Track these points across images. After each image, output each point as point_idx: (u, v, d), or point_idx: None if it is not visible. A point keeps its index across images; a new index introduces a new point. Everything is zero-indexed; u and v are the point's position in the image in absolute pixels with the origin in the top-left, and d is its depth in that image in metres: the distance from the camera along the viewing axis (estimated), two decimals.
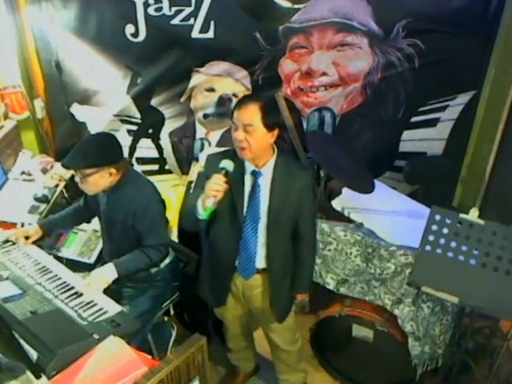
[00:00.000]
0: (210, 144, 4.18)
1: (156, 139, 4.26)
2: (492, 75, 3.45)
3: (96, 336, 2.08)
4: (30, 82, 4.07)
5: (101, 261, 3.00)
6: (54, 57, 3.95)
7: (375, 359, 3.03)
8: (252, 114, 2.26)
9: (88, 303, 2.37)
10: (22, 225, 3.20)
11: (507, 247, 2.31)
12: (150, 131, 4.23)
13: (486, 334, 3.20)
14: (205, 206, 2.22)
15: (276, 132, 2.35)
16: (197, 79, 3.94)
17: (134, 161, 4.28)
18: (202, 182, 2.36)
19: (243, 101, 2.32)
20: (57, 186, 3.62)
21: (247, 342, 3.16)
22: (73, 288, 2.48)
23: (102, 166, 2.52)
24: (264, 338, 3.02)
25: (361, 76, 3.70)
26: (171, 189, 4.23)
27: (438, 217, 2.41)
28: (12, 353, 1.89)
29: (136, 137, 4.26)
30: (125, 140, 4.18)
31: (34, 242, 2.83)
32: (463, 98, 3.64)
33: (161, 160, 4.34)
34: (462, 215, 2.40)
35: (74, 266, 2.93)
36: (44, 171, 3.77)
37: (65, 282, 2.52)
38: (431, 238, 2.41)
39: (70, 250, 3.12)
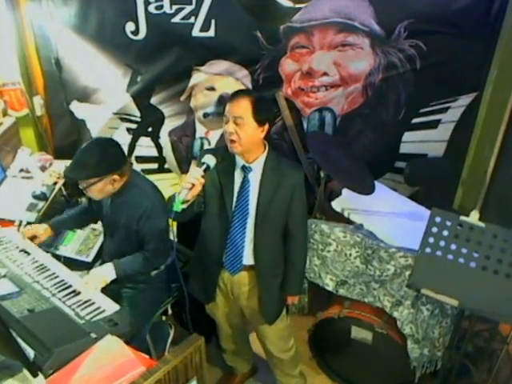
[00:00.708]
0: (209, 143, 4.16)
1: (155, 138, 4.25)
2: (494, 77, 3.44)
3: (93, 335, 2.08)
4: (30, 79, 4.05)
5: (99, 260, 2.99)
6: (54, 54, 3.94)
7: (374, 361, 3.02)
8: (243, 107, 2.30)
9: (86, 302, 2.37)
10: (20, 222, 3.20)
11: (508, 250, 2.31)
12: (150, 130, 4.22)
13: (486, 337, 3.19)
14: (179, 198, 2.20)
15: (266, 127, 2.38)
16: (197, 78, 3.92)
17: (133, 159, 4.27)
18: None
19: (236, 94, 2.38)
20: (55, 183, 3.61)
21: (241, 344, 3.15)
22: (70, 286, 2.48)
23: (104, 175, 2.51)
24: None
25: (362, 76, 3.69)
26: (170, 188, 4.22)
27: (438, 219, 2.41)
28: (9, 351, 1.88)
29: (135, 135, 4.24)
30: (124, 138, 4.17)
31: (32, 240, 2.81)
32: (465, 100, 3.62)
33: (160, 159, 4.33)
34: (462, 217, 2.40)
35: (72, 264, 2.92)
36: (43, 169, 3.76)
37: (62, 281, 2.52)
38: (431, 240, 2.42)
39: (67, 248, 3.12)
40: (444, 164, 3.78)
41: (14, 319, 2.08)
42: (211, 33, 3.67)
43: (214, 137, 4.15)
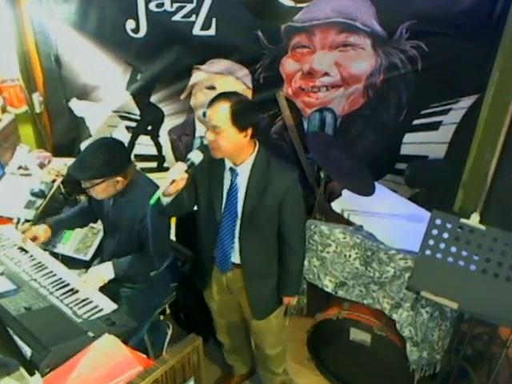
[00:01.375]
0: None
1: (155, 136, 4.24)
2: (496, 79, 3.43)
3: (91, 334, 2.07)
4: (29, 75, 4.04)
5: (97, 259, 2.98)
6: (54, 51, 3.93)
7: (373, 364, 3.01)
8: (220, 114, 2.20)
9: (83, 300, 2.36)
10: (18, 220, 3.19)
11: (508, 253, 2.30)
12: (149, 128, 4.21)
13: (485, 340, 3.18)
14: (156, 193, 2.16)
15: (250, 131, 2.27)
16: (197, 77, 3.91)
17: (132, 158, 4.25)
18: None
19: (214, 99, 2.25)
20: (54, 181, 3.60)
21: (238, 340, 3.12)
22: (68, 285, 2.47)
23: (109, 176, 2.50)
24: None
25: (363, 77, 3.68)
26: None
27: (438, 221, 2.41)
28: (5, 349, 1.87)
29: (135, 133, 4.24)
30: (123, 136, 4.15)
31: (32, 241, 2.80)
32: (466, 102, 3.62)
33: (159, 157, 4.32)
34: (462, 220, 2.39)
35: (70, 262, 2.91)
36: (41, 166, 3.75)
37: (60, 279, 2.51)
38: (431, 242, 2.41)
39: (66, 247, 3.11)
40: (445, 166, 3.78)
41: (11, 317, 2.07)
42: (212, 31, 3.66)
43: None
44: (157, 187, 2.69)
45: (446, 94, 3.63)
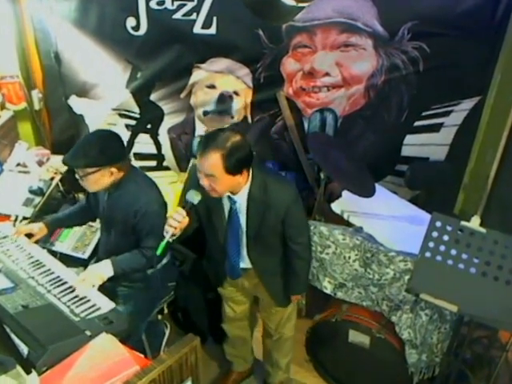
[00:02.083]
0: None
1: (154, 135, 4.22)
2: (497, 81, 3.41)
3: (88, 333, 2.08)
4: (28, 72, 4.04)
5: (95, 257, 2.98)
6: (53, 48, 3.93)
7: (371, 366, 3.01)
8: (213, 164, 2.18)
9: (81, 299, 2.36)
10: (16, 217, 3.18)
11: (508, 257, 2.30)
12: (149, 126, 4.20)
13: (485, 344, 3.17)
14: (162, 243, 2.23)
15: (246, 172, 2.30)
16: (197, 75, 3.90)
17: (131, 156, 4.24)
18: (191, 186, 2.38)
19: (204, 148, 2.20)
20: (52, 178, 3.60)
21: (245, 332, 3.15)
22: (66, 283, 2.47)
23: (103, 166, 2.50)
24: (261, 342, 3.04)
25: (364, 78, 3.66)
26: (169, 186, 4.19)
27: (438, 223, 2.40)
28: (2, 347, 1.87)
29: (134, 132, 4.22)
30: (123, 135, 4.10)
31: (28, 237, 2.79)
32: (468, 104, 3.59)
33: (159, 156, 4.31)
34: (463, 223, 2.39)
35: (68, 260, 2.93)
36: (40, 163, 3.74)
37: (58, 277, 2.52)
38: (431, 244, 2.41)
39: (64, 245, 3.12)
40: (446, 168, 3.76)
41: (8, 315, 2.08)
42: (213, 30, 3.65)
43: None
44: (152, 183, 2.71)
45: (448, 96, 3.60)
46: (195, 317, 3.33)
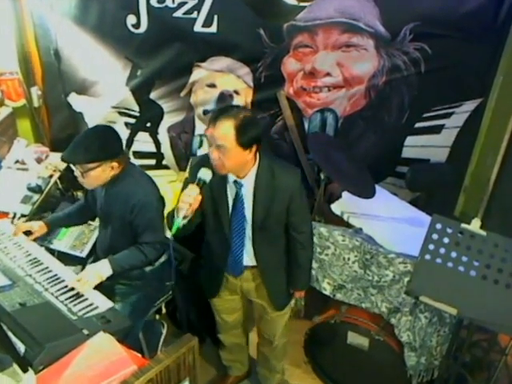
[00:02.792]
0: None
1: (154, 133, 4.21)
2: (499, 83, 3.40)
3: (85, 331, 2.07)
4: (28, 69, 4.03)
5: (93, 255, 2.97)
6: (53, 45, 3.92)
7: (370, 368, 3.00)
8: (225, 133, 2.16)
9: (79, 298, 2.36)
10: (14, 215, 3.17)
11: (509, 260, 2.30)
12: (149, 125, 4.19)
13: (484, 347, 3.17)
14: (177, 220, 2.18)
15: (254, 148, 2.27)
16: (198, 74, 3.89)
17: (130, 154, 4.23)
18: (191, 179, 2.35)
19: (218, 116, 2.19)
20: (51, 176, 3.59)
21: (241, 339, 3.14)
22: (64, 281, 2.46)
23: (104, 160, 2.49)
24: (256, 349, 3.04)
25: (365, 78, 3.65)
26: (168, 185, 4.18)
27: (438, 226, 2.40)
28: None
29: (134, 130, 4.22)
30: (122, 133, 4.11)
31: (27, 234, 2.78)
32: (469, 106, 3.59)
33: (158, 155, 4.30)
34: (463, 225, 2.38)
35: (66, 258, 2.92)
36: (38, 161, 3.73)
37: (56, 275, 2.51)
38: (431, 247, 2.41)
39: (62, 243, 3.11)
40: (446, 170, 3.75)
41: (5, 313, 2.08)
42: (213, 29, 3.64)
43: None
44: (149, 178, 2.69)
45: (449, 98, 3.60)
46: (193, 317, 3.32)
